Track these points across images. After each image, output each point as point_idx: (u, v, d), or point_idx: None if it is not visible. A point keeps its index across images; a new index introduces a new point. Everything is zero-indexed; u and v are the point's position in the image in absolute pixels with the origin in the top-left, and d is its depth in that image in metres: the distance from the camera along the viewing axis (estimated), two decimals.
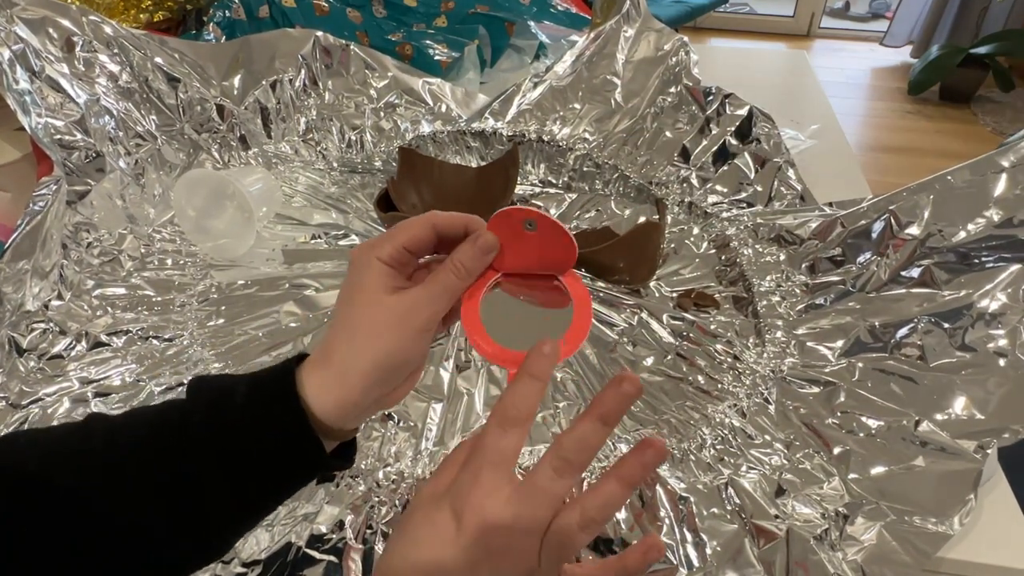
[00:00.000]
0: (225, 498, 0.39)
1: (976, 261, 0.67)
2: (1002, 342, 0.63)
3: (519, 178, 0.99)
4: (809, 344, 0.72)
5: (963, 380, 0.63)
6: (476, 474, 0.37)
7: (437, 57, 1.20)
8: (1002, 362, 0.63)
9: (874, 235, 0.74)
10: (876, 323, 0.70)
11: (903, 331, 0.68)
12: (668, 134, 1.01)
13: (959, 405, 0.62)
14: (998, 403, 0.61)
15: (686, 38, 1.09)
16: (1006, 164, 0.68)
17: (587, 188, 1.01)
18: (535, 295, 0.45)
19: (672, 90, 1.04)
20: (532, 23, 1.31)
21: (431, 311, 0.40)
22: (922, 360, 0.66)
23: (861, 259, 0.74)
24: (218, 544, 0.42)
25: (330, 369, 0.40)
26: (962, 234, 0.68)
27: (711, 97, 1.01)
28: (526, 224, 0.41)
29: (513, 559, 0.37)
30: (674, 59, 1.05)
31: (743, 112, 0.99)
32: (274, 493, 0.42)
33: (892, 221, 0.72)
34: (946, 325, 0.66)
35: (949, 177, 0.70)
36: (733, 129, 0.98)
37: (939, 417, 0.62)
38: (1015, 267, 0.65)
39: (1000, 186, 0.67)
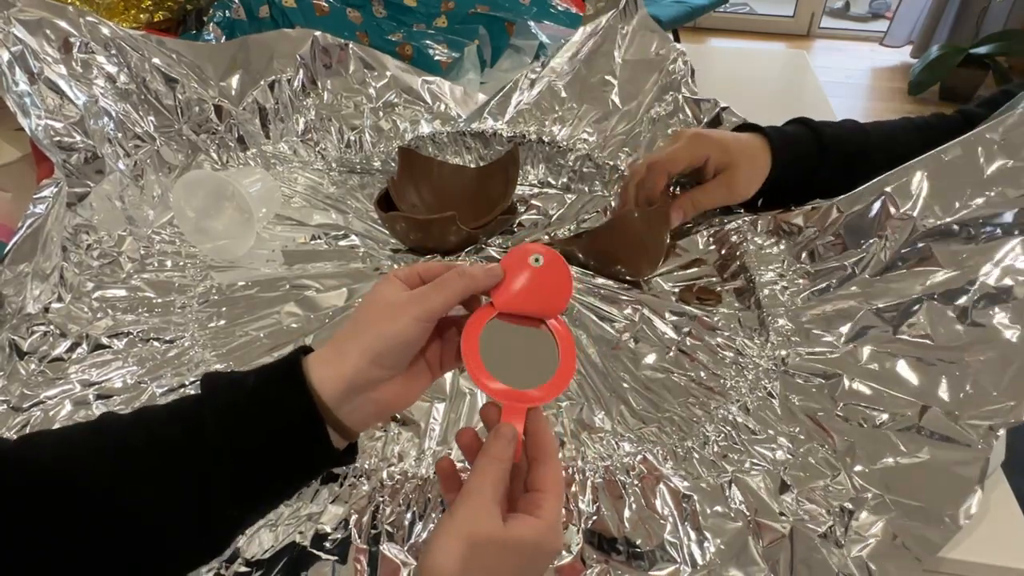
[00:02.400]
0: (232, 483, 0.41)
1: (975, 237, 0.67)
2: (1007, 316, 0.63)
3: (518, 178, 0.98)
4: (814, 331, 0.72)
5: (971, 357, 0.63)
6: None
7: (437, 57, 1.20)
8: (1008, 335, 0.62)
9: (871, 217, 0.73)
10: (880, 305, 0.69)
11: (907, 311, 0.67)
12: (664, 139, 1.01)
13: (968, 382, 0.62)
14: (1007, 378, 0.61)
15: (683, 47, 1.09)
16: (997, 138, 0.68)
17: (587, 189, 1.01)
18: (526, 336, 0.50)
19: (668, 97, 1.04)
20: (532, 23, 1.31)
21: (430, 301, 0.45)
22: (928, 339, 0.65)
23: (861, 243, 0.74)
24: (222, 534, 0.43)
25: (332, 347, 0.45)
26: (959, 210, 0.68)
27: (707, 107, 1.02)
28: (533, 259, 0.48)
29: None
30: (672, 66, 1.06)
31: (737, 122, 0.99)
32: (280, 476, 0.43)
33: (888, 202, 0.72)
34: (950, 303, 0.66)
35: (941, 155, 0.70)
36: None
37: (948, 398, 0.62)
38: (1014, 240, 0.65)
39: (992, 160, 0.67)
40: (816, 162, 0.84)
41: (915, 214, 0.70)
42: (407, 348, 0.45)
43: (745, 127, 0.90)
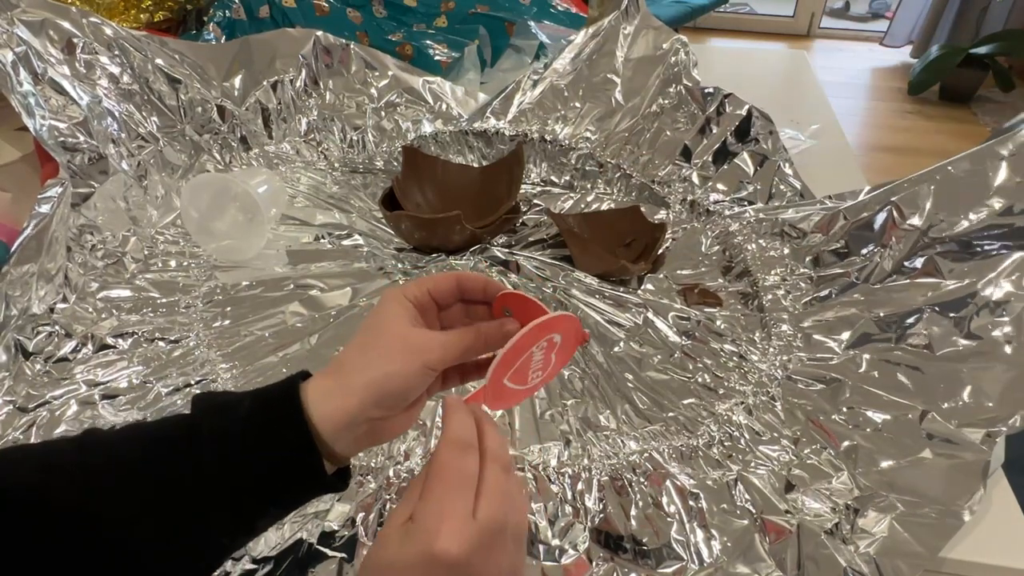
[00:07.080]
0: (223, 511, 0.39)
1: (979, 250, 0.67)
2: (1007, 329, 0.64)
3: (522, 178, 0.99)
4: (815, 337, 0.72)
5: (970, 368, 0.63)
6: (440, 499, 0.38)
7: (437, 57, 1.20)
8: (1007, 349, 0.63)
9: (876, 227, 0.74)
10: (881, 314, 0.70)
11: (908, 321, 0.68)
12: (669, 133, 1.01)
13: (966, 393, 0.62)
14: (1005, 390, 0.62)
15: (684, 38, 1.09)
16: (1005, 153, 0.68)
17: (589, 187, 1.01)
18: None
19: (671, 90, 1.04)
20: (532, 23, 1.32)
21: (443, 353, 0.43)
22: (928, 350, 0.66)
23: (864, 251, 0.74)
24: (211, 561, 0.42)
25: (336, 378, 0.42)
26: (964, 223, 0.68)
27: (710, 97, 1.01)
28: (505, 310, 0.47)
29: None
30: (673, 58, 1.06)
31: (742, 112, 0.99)
32: (271, 507, 0.42)
33: (894, 212, 0.72)
34: (951, 314, 0.66)
35: (949, 167, 0.71)
36: (733, 129, 0.98)
37: (946, 406, 0.62)
38: (1018, 255, 0.65)
39: (1000, 175, 0.68)
40: None
41: (920, 225, 0.70)
42: (414, 392, 0.44)
43: None
